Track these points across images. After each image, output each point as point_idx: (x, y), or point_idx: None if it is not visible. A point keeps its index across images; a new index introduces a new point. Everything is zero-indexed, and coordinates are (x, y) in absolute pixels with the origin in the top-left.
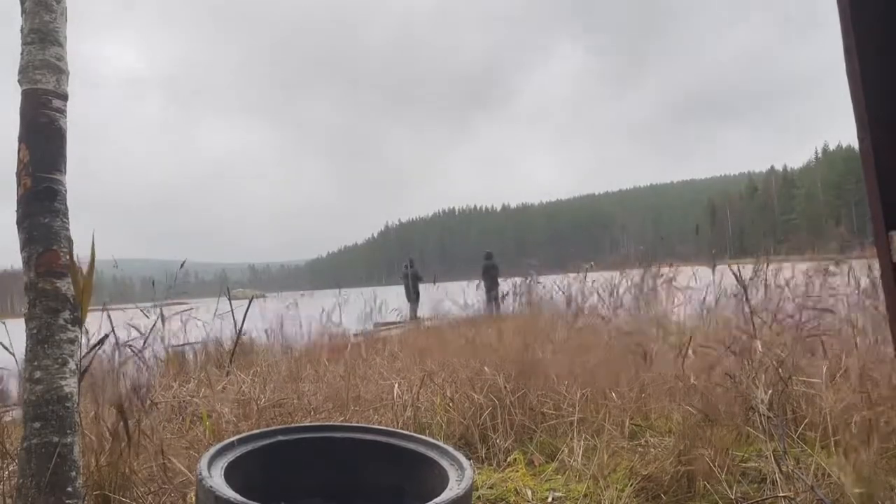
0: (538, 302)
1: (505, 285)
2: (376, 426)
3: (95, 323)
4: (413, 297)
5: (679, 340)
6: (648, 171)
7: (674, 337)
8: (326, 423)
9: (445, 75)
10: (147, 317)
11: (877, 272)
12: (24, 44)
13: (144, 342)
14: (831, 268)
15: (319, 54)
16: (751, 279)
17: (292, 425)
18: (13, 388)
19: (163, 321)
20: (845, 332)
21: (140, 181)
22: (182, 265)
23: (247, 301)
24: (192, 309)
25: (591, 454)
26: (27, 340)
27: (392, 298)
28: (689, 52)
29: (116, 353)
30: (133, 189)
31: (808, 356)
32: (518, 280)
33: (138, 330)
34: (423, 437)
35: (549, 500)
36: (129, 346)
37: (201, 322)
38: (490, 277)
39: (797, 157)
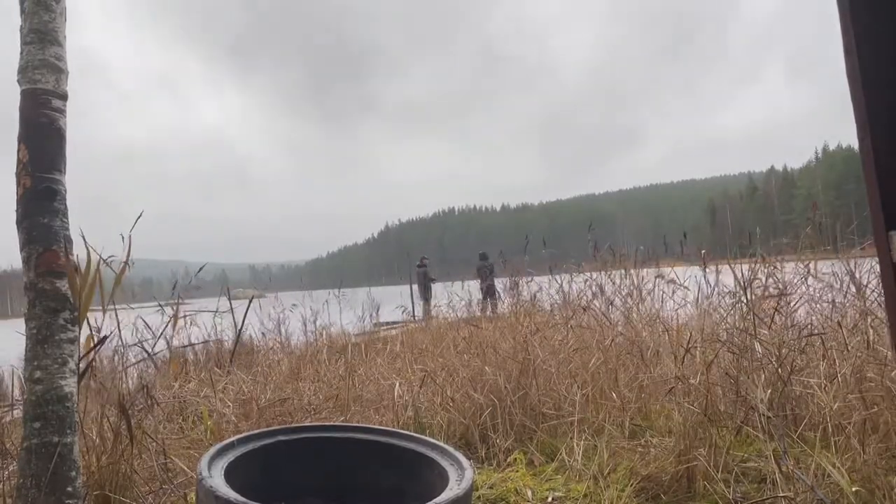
0: (530, 301)
1: (499, 285)
2: (376, 426)
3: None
4: (426, 295)
5: (677, 340)
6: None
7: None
8: (326, 423)
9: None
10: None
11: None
12: (24, 44)
13: (156, 343)
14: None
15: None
16: (750, 279)
17: (292, 425)
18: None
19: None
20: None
21: (140, 182)
22: (201, 269)
23: (246, 301)
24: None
25: (591, 454)
26: (27, 340)
27: (391, 298)
28: None
29: (119, 353)
30: (132, 189)
31: (806, 356)
32: (510, 279)
33: (150, 329)
34: (423, 437)
35: (549, 500)
36: (140, 345)
37: (202, 322)
38: (485, 278)
39: (797, 157)
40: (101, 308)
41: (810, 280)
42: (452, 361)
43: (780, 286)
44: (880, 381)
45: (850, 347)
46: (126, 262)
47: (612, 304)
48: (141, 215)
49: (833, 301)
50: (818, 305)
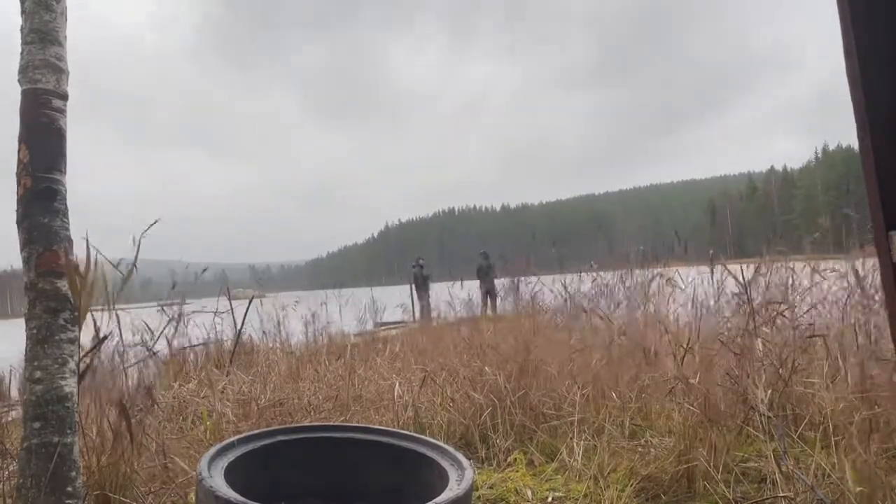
0: (532, 302)
1: (499, 284)
2: (376, 426)
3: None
4: (423, 295)
5: (678, 340)
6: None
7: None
8: (326, 423)
9: None
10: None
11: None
12: (24, 43)
13: (155, 342)
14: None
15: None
16: (751, 279)
17: (292, 425)
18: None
19: (177, 322)
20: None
21: (138, 181)
22: (204, 270)
23: (246, 301)
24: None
25: (591, 454)
26: (27, 340)
27: (391, 298)
28: None
29: (118, 353)
30: (131, 188)
31: (808, 356)
32: (511, 279)
33: (150, 330)
34: (423, 437)
35: (549, 500)
36: (143, 345)
37: (202, 322)
38: (486, 277)
39: (797, 157)
40: (100, 308)
41: (816, 279)
42: (452, 361)
43: (784, 286)
44: (886, 381)
45: (854, 347)
46: (134, 265)
47: (618, 305)
48: (156, 221)
49: (843, 302)
50: (822, 306)
